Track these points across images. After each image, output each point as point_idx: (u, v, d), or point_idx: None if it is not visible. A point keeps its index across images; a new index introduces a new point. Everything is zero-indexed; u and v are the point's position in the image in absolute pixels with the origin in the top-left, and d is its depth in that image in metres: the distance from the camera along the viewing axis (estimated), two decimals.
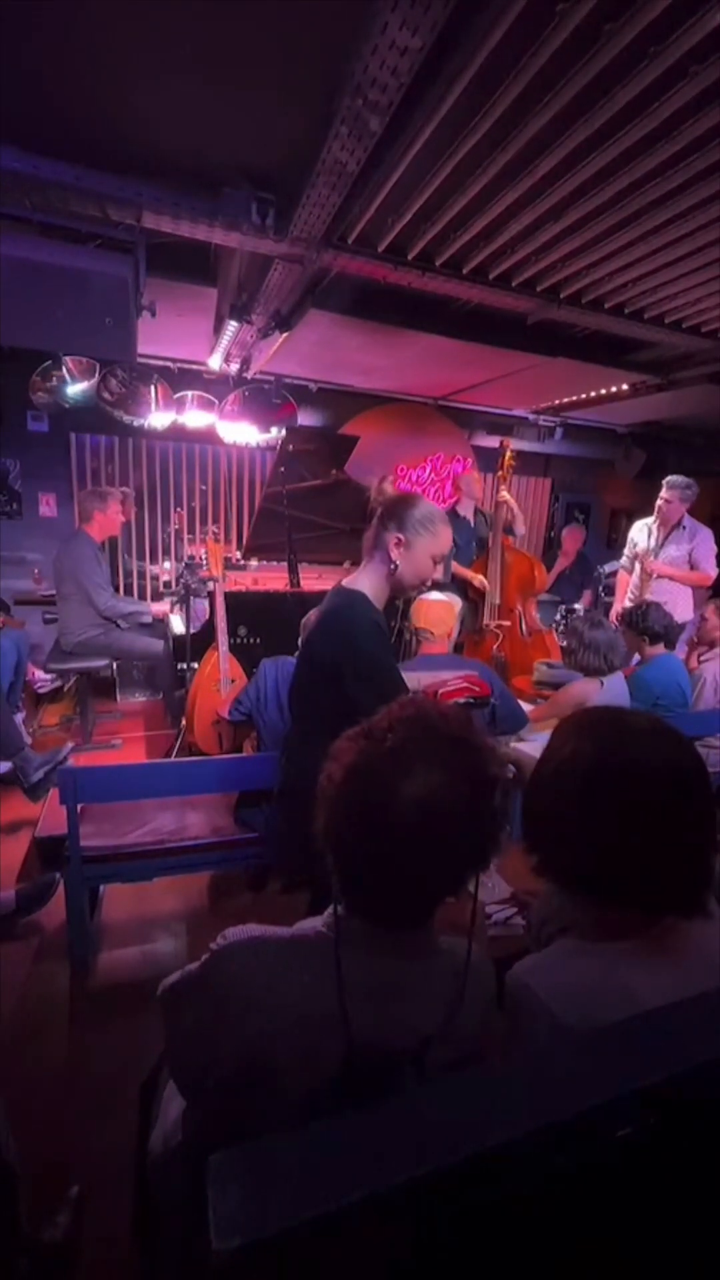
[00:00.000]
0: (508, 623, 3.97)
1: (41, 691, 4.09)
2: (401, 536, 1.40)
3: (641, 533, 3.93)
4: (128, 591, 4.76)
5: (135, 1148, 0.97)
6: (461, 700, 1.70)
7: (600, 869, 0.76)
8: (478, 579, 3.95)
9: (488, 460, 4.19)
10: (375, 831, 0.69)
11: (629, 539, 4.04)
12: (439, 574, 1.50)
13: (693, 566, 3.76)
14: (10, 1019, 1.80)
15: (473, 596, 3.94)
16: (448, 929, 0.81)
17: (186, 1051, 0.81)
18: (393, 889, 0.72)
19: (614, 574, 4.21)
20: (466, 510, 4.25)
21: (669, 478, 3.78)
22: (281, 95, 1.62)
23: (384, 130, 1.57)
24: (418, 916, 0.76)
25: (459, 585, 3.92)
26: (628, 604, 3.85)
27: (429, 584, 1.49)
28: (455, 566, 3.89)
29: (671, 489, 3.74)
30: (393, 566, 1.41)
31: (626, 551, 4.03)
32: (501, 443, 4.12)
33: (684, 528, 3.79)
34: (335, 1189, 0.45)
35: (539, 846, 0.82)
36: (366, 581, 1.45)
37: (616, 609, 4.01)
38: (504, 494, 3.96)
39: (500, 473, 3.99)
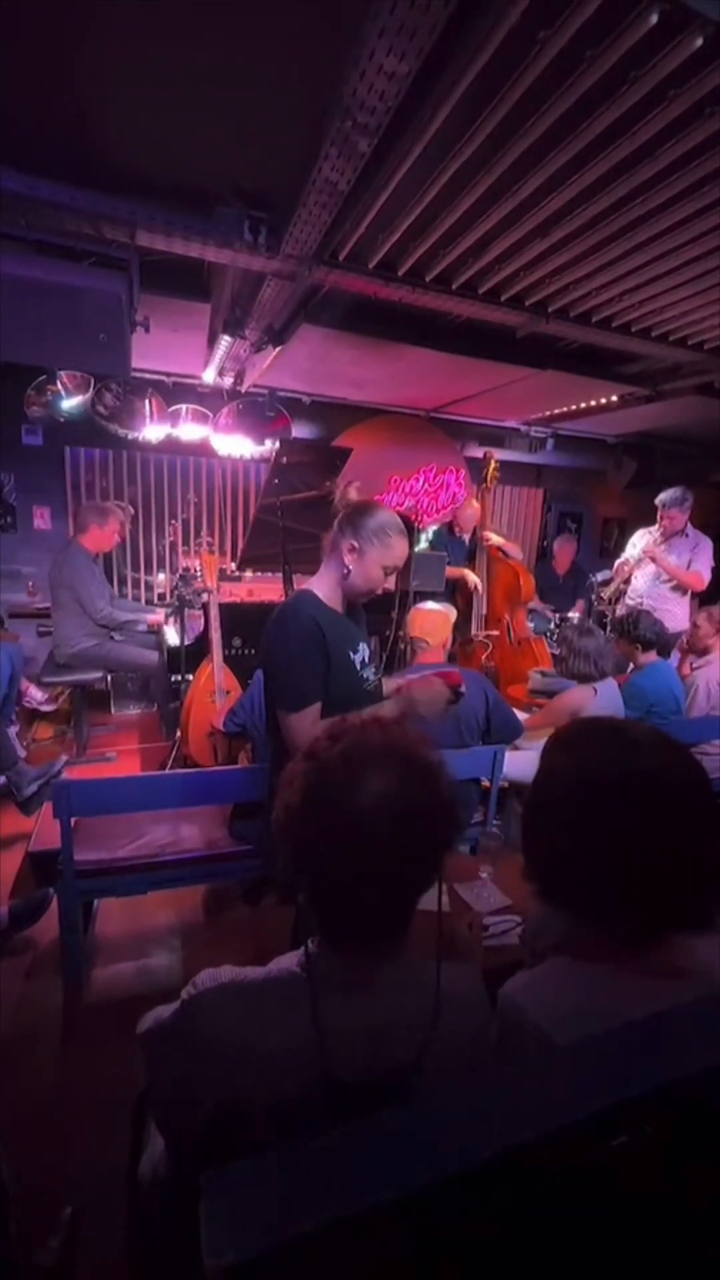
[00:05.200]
0: (496, 632, 3.99)
1: (43, 710, 4.07)
2: (355, 544, 1.42)
3: (644, 538, 3.96)
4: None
5: (128, 1170, 0.95)
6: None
7: (605, 887, 0.74)
8: (470, 578, 3.98)
9: (479, 471, 4.26)
10: (341, 835, 0.69)
11: (630, 542, 4.07)
12: (390, 584, 1.52)
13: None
14: (3, 1035, 1.78)
15: (461, 606, 3.97)
16: (431, 949, 0.79)
17: (165, 1098, 0.80)
18: (367, 896, 0.70)
19: (606, 583, 4.24)
20: (465, 532, 4.33)
21: (660, 496, 3.80)
22: (273, 117, 1.65)
23: (373, 151, 1.61)
24: (397, 924, 0.75)
25: (449, 594, 3.95)
26: (626, 607, 3.88)
27: (379, 591, 1.51)
28: (448, 569, 3.94)
29: (668, 506, 3.76)
30: (345, 572, 1.44)
31: (627, 551, 4.08)
32: (485, 454, 4.17)
33: (686, 535, 3.82)
34: (329, 1204, 0.45)
35: (541, 871, 0.80)
36: (320, 582, 1.48)
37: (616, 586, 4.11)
38: (494, 538, 4.06)
39: (485, 484, 4.04)
